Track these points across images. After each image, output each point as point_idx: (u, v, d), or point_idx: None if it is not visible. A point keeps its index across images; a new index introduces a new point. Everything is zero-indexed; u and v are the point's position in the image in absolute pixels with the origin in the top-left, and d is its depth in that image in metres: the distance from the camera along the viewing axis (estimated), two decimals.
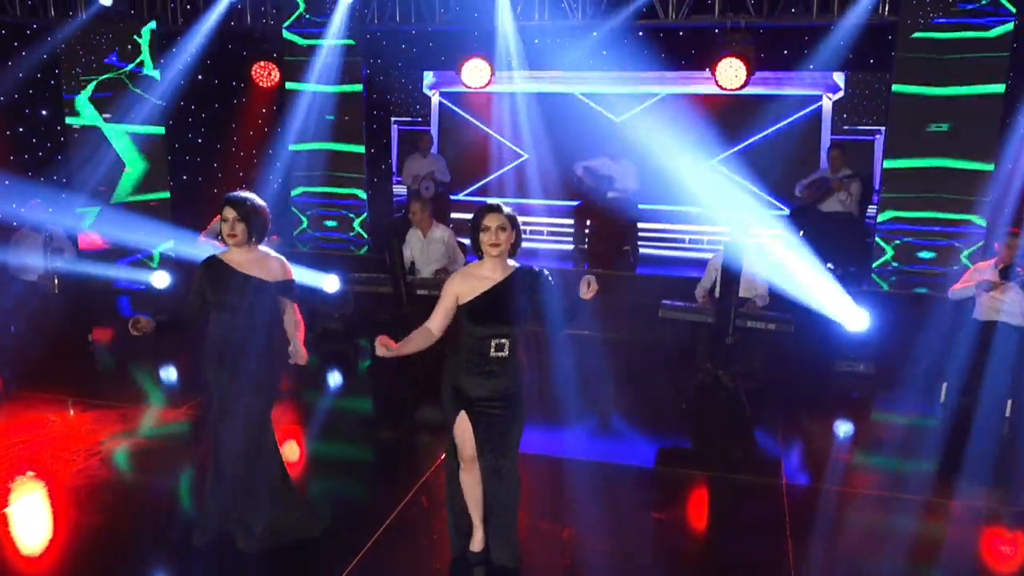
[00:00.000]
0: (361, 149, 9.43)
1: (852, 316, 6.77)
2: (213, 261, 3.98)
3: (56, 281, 7.22)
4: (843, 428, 6.27)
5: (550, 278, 3.70)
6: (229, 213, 3.89)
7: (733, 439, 5.94)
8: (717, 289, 6.58)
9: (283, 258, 4.06)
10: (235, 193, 3.97)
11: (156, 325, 3.99)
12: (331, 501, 4.69)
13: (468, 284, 3.67)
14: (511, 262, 3.73)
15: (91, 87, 9.22)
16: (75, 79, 9.16)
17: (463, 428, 3.74)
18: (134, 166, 9.50)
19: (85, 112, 9.28)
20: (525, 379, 3.79)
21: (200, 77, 10.41)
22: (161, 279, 8.09)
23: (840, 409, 6.53)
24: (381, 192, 10.49)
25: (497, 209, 3.64)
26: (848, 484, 5.17)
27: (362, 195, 9.53)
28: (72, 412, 6.02)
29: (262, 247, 4.03)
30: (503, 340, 3.62)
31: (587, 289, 3.60)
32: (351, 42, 9.17)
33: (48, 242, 7.24)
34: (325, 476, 5.19)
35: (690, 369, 6.86)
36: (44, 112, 9.68)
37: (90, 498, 4.67)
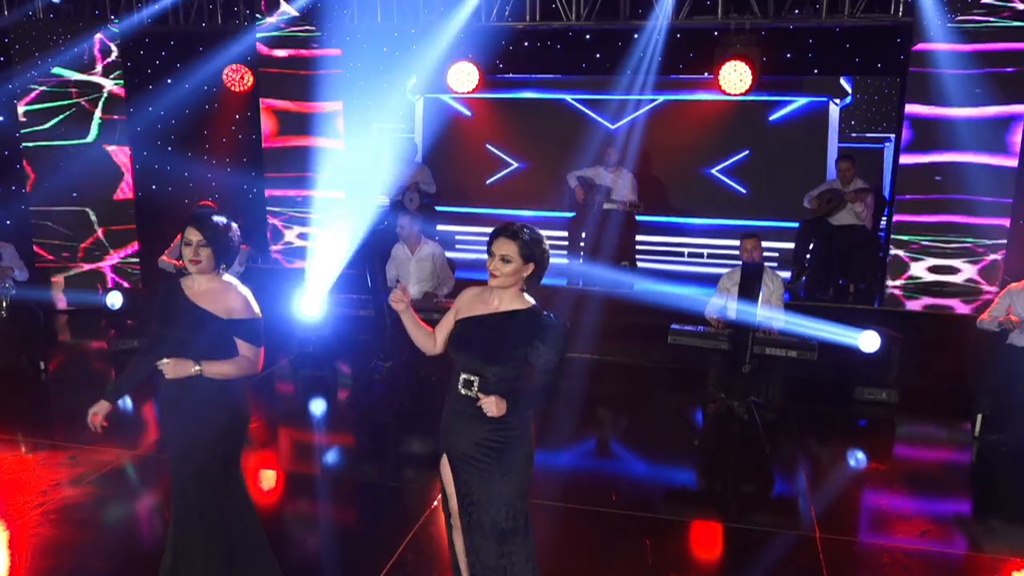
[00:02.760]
0: (343, 156, 8.84)
1: (863, 336, 6.29)
2: (170, 286, 3.37)
3: (3, 304, 6.54)
4: (872, 467, 5.73)
5: (563, 336, 3.04)
6: (193, 235, 3.25)
7: (753, 480, 5.38)
8: (729, 311, 6.07)
9: (248, 293, 3.39)
10: (200, 211, 3.37)
11: (112, 403, 3.49)
12: (306, 563, 4.08)
13: (470, 303, 3.17)
14: (527, 297, 3.13)
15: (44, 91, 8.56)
16: (28, 82, 8.48)
17: (445, 474, 3.22)
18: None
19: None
20: (522, 430, 3.12)
21: (168, 80, 9.83)
22: (115, 299, 7.43)
23: (866, 444, 6.02)
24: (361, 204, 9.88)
25: (510, 235, 3.02)
26: (886, 534, 4.62)
27: (342, 206, 8.91)
28: (16, 453, 5.37)
29: (227, 276, 3.42)
30: (471, 378, 3.03)
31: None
32: (318, 35, 8.59)
33: None
34: (299, 531, 4.57)
35: (699, 397, 6.32)
36: (2, 118, 9.01)
37: (26, 563, 4.02)
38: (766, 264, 6.10)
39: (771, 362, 5.84)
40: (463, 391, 3.05)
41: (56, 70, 8.57)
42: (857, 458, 5.86)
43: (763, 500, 5.16)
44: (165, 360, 3.15)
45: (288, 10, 8.59)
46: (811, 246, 8.19)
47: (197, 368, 3.18)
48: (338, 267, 6.70)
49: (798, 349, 5.70)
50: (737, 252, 6.16)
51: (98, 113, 8.79)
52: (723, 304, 6.17)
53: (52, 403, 6.58)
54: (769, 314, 5.85)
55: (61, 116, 8.71)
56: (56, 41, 8.43)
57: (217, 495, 3.37)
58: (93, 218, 8.96)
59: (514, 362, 3.02)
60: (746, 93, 8.11)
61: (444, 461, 3.20)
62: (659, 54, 8.78)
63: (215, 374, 3.24)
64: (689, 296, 8.16)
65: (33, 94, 8.62)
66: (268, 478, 5.23)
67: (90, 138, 8.79)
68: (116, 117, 8.87)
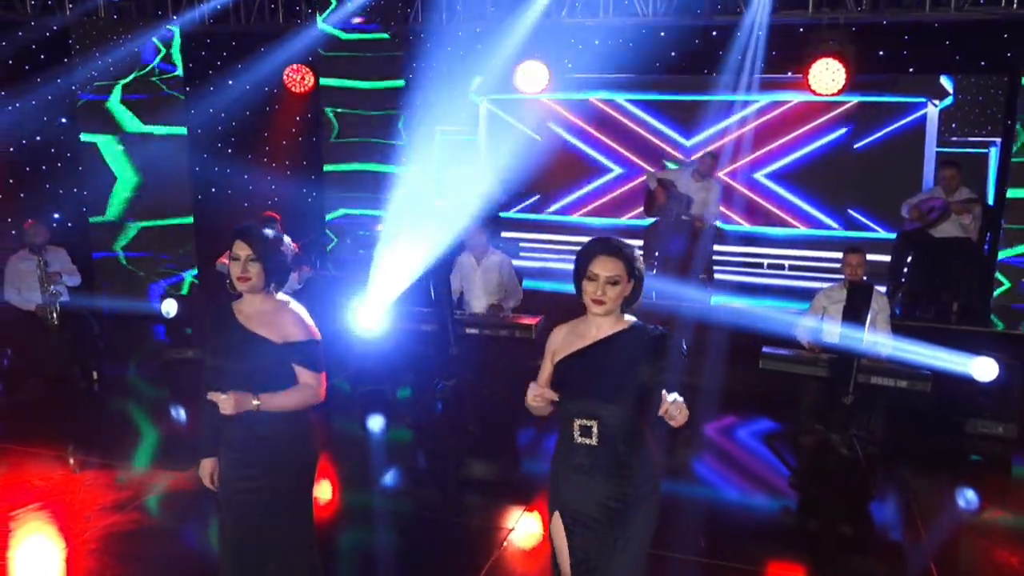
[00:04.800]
0: (403, 160, 8.49)
1: (978, 363, 5.61)
2: (220, 311, 2.99)
3: (55, 312, 6.32)
4: (990, 510, 5.08)
5: (683, 346, 2.64)
6: (241, 249, 2.88)
7: (857, 524, 4.78)
8: (825, 332, 5.49)
9: (303, 312, 3.01)
10: (249, 224, 2.97)
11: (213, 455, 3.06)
12: None
13: (566, 339, 2.71)
14: (628, 317, 2.69)
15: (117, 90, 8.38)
16: (89, 81, 8.31)
17: (557, 534, 2.73)
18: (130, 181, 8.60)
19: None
20: (653, 483, 2.68)
21: (230, 83, 9.61)
22: (170, 306, 7.16)
23: (985, 486, 5.35)
24: (422, 209, 9.51)
25: (612, 251, 2.58)
26: None
27: (402, 212, 8.55)
28: (64, 470, 5.11)
29: (281, 295, 3.02)
30: (589, 423, 2.59)
31: (668, 415, 2.41)
32: (385, 36, 8.24)
33: (43, 267, 6.36)
34: (351, 569, 4.17)
35: (791, 427, 5.74)
36: (63, 120, 8.88)
37: None
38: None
39: (876, 392, 5.23)
40: (581, 440, 2.61)
41: (117, 70, 8.39)
42: (969, 499, 5.22)
43: (871, 547, 4.56)
44: (222, 396, 2.78)
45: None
46: (909, 259, 7.51)
47: (256, 403, 2.81)
48: (403, 279, 6.28)
49: (909, 379, 5.08)
50: (823, 264, 5.57)
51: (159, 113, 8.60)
52: (817, 325, 5.59)
53: (104, 416, 6.33)
54: (875, 338, 5.24)
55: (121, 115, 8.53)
56: (117, 40, 8.25)
57: (279, 546, 3.01)
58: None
59: (632, 393, 2.57)
60: (838, 94, 7.51)
61: (556, 520, 2.72)
62: (740, 53, 8.22)
63: (276, 407, 2.86)
64: (772, 312, 7.60)
65: (94, 93, 8.46)
66: (320, 508, 4.83)
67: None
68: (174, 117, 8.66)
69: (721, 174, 8.82)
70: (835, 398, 5.18)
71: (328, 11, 8.32)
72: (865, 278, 5.43)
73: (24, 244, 6.58)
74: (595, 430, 2.59)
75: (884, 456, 5.39)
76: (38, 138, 8.68)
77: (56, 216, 8.70)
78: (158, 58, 8.43)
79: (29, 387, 6.55)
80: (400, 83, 8.42)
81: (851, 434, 5.28)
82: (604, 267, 2.56)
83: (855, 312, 5.00)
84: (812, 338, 5.50)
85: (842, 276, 5.61)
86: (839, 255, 8.43)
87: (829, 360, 5.25)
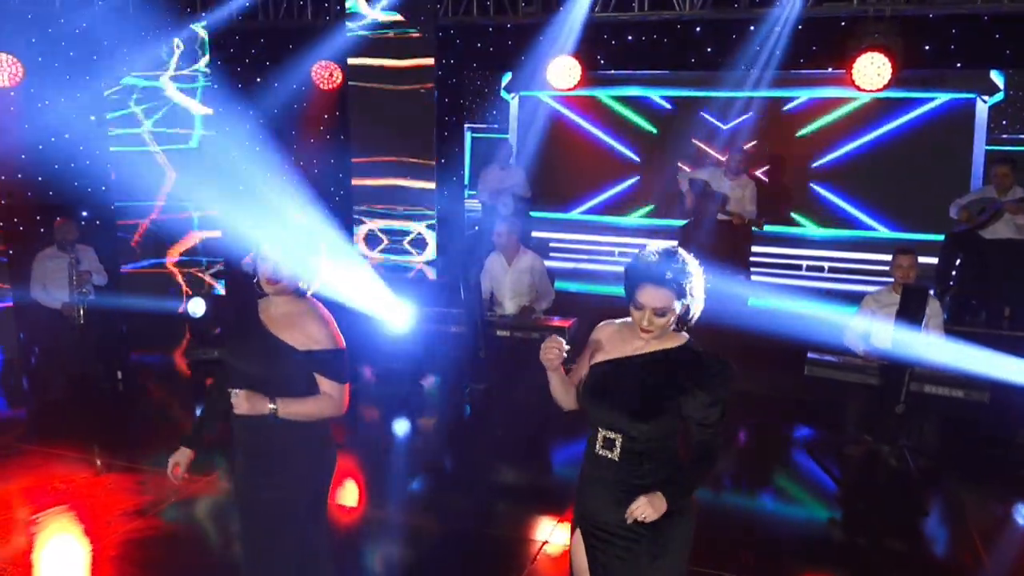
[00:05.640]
0: (431, 159, 8.33)
1: None
2: (243, 309, 2.84)
3: (82, 311, 6.23)
4: None
5: (729, 382, 2.40)
6: (271, 251, 2.72)
7: (913, 545, 4.52)
8: (874, 338, 5.24)
9: (330, 318, 2.84)
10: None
11: (193, 449, 2.98)
12: None
13: (608, 341, 2.53)
14: (679, 335, 2.49)
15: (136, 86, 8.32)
16: (118, 78, 8.26)
17: (577, 551, 2.55)
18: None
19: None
20: (687, 501, 2.47)
21: (258, 80, 9.51)
22: (196, 306, 7.06)
23: None
24: (452, 209, 9.35)
25: (659, 280, 2.34)
26: None
27: (431, 212, 8.41)
28: (87, 473, 4.99)
29: (309, 298, 2.86)
30: (613, 436, 2.41)
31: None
32: (417, 34, 8.09)
33: (74, 266, 6.28)
34: None
35: (836, 436, 5.49)
36: (92, 117, 8.82)
37: None
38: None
39: (930, 401, 4.96)
40: (602, 452, 2.43)
41: (144, 68, 8.33)
42: None
43: (926, 567, 4.30)
44: (237, 391, 2.63)
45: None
46: (958, 262, 7.20)
47: (272, 407, 2.66)
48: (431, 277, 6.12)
49: (965, 388, 4.81)
50: (865, 267, 5.30)
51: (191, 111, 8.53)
52: (865, 330, 5.33)
53: (127, 417, 6.23)
54: (929, 344, 4.96)
55: (151, 113, 8.48)
56: (146, 36, 8.17)
57: (292, 558, 2.84)
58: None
59: (668, 416, 2.38)
60: (883, 89, 7.22)
61: (576, 538, 2.54)
62: (779, 47, 7.95)
63: (292, 415, 2.70)
64: (813, 315, 7.33)
65: (122, 90, 8.40)
66: (341, 516, 4.67)
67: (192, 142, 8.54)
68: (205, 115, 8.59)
69: (758, 172, 8.57)
70: (885, 407, 4.91)
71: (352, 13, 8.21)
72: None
73: (52, 241, 6.50)
74: (618, 444, 2.41)
75: (936, 469, 5.12)
76: (67, 135, 8.62)
77: (84, 214, 8.65)
78: (186, 55, 8.37)
79: (53, 386, 6.47)
80: (429, 83, 8.26)
81: (901, 445, 5.01)
82: (651, 298, 2.36)
83: (908, 316, 4.74)
84: (865, 345, 5.23)
85: (891, 279, 5.36)
86: (881, 257, 8.32)
87: (880, 367, 4.99)
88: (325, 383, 2.77)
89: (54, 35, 8.26)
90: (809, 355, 5.23)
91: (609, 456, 2.42)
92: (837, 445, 5.47)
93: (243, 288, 6.92)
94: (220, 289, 8.49)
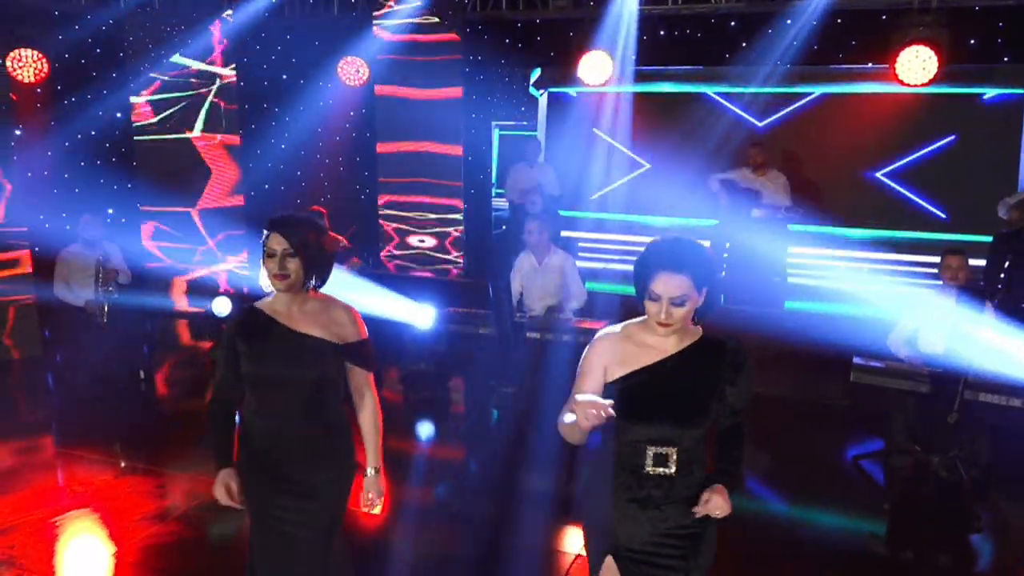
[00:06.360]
0: (459, 157, 8.18)
1: None
2: (247, 315, 2.66)
3: (105, 309, 6.13)
4: None
5: (750, 364, 2.32)
6: (277, 243, 2.56)
7: (963, 563, 4.26)
8: (921, 343, 4.99)
9: (351, 306, 2.72)
10: (285, 215, 2.64)
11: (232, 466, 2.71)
12: None
13: (623, 351, 2.29)
14: (695, 328, 2.34)
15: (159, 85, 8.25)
16: (142, 75, 8.19)
17: None
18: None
19: None
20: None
21: (284, 77, 9.43)
22: (222, 305, 6.95)
23: None
24: (480, 207, 9.19)
25: (675, 266, 2.17)
26: None
27: (459, 210, 8.25)
28: (108, 475, 4.88)
29: (324, 291, 2.71)
30: (667, 449, 2.23)
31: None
32: (440, 26, 7.96)
33: (100, 264, 6.18)
34: None
35: (883, 447, 5.24)
36: (118, 115, 8.77)
37: None
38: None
39: (984, 411, 4.70)
40: (655, 470, 2.25)
41: (176, 59, 8.24)
42: None
43: None
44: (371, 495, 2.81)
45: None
46: (1007, 264, 6.90)
47: (374, 468, 2.85)
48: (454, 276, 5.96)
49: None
50: (906, 268, 5.05)
51: (211, 107, 8.45)
52: (911, 334, 5.08)
53: (149, 418, 6.12)
54: (983, 350, 4.71)
55: (175, 109, 8.40)
56: (170, 32, 8.10)
57: (340, 551, 2.80)
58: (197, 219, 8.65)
59: (712, 414, 2.28)
60: (928, 84, 6.95)
61: (609, 564, 2.35)
62: (816, 41, 7.70)
63: (380, 443, 2.87)
64: (853, 318, 7.08)
65: (152, 87, 8.33)
66: (362, 522, 4.50)
67: (196, 131, 8.45)
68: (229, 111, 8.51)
69: (793, 170, 8.30)
70: (937, 416, 4.66)
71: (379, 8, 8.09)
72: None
73: (76, 239, 6.41)
74: (674, 458, 2.25)
75: (989, 481, 4.86)
76: (93, 132, 8.59)
77: (110, 212, 8.61)
78: (210, 51, 8.29)
79: (76, 386, 6.39)
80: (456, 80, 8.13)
81: (952, 456, 4.76)
82: (667, 286, 2.17)
83: (963, 320, 4.48)
84: (910, 351, 4.99)
85: (937, 281, 5.11)
86: (923, 258, 8.03)
87: (931, 374, 4.74)
88: (359, 374, 2.74)
89: (80, 32, 8.24)
90: (855, 361, 4.99)
91: (664, 472, 2.25)
92: (883, 455, 5.23)
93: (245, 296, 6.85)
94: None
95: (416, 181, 8.47)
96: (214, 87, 8.41)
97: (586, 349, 2.37)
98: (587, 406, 2.05)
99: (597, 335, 2.37)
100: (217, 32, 8.33)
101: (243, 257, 8.61)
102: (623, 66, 8.02)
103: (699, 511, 2.23)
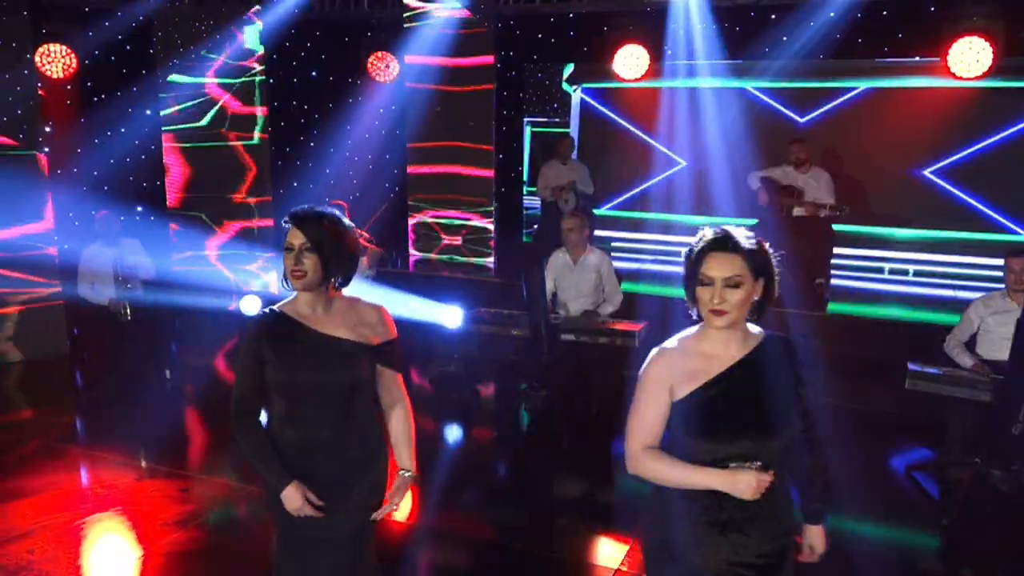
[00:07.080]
0: (490, 154, 7.99)
1: None
2: (270, 318, 2.49)
3: (128, 307, 6.02)
4: None
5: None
6: (295, 238, 2.41)
7: None
8: (980, 348, 4.73)
9: (381, 306, 2.56)
10: (303, 208, 2.48)
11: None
12: None
13: (686, 366, 2.08)
14: (753, 328, 2.13)
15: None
16: (171, 72, 8.11)
17: None
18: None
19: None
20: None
21: (314, 74, 9.31)
22: (251, 304, 6.84)
23: None
24: (511, 205, 9.00)
25: (730, 247, 2.02)
26: None
27: (490, 208, 8.07)
28: (130, 478, 4.76)
29: (346, 291, 2.55)
30: (748, 467, 2.01)
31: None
32: (472, 21, 7.78)
33: (119, 260, 6.08)
34: None
35: (939, 458, 4.96)
36: (147, 112, 8.70)
37: None
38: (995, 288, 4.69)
39: None
40: None
41: (205, 55, 8.16)
42: None
43: None
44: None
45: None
46: None
47: (408, 472, 2.69)
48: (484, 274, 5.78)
49: None
50: (952, 270, 4.78)
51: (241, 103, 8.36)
52: (971, 339, 4.82)
53: (173, 419, 5.99)
54: None
55: (202, 105, 8.33)
56: (200, 29, 8.01)
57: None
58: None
59: (794, 424, 2.12)
60: (982, 77, 6.64)
61: None
62: (861, 33, 7.41)
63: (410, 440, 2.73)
64: (901, 323, 6.80)
65: (182, 84, 8.26)
66: (389, 529, 4.32)
67: (225, 129, 8.37)
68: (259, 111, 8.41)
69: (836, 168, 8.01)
70: (999, 426, 4.38)
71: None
72: None
73: (97, 237, 6.32)
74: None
75: None
76: (123, 130, 8.53)
77: (139, 209, 8.55)
78: (240, 48, 8.19)
79: (101, 386, 6.30)
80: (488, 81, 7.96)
81: (1015, 469, 4.47)
82: (719, 267, 2.00)
83: None
84: (969, 356, 4.72)
85: (998, 285, 4.85)
86: (970, 260, 7.71)
87: (994, 382, 4.46)
88: (389, 375, 2.61)
89: (110, 29, 8.17)
90: (911, 367, 4.72)
91: None
92: (939, 466, 4.94)
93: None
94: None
95: (446, 177, 8.30)
96: (244, 84, 8.30)
97: (641, 372, 2.15)
98: (755, 479, 1.98)
99: (651, 354, 2.16)
100: (247, 29, 8.22)
101: (268, 256, 8.52)
102: (660, 60, 7.79)
103: (807, 556, 2.26)
